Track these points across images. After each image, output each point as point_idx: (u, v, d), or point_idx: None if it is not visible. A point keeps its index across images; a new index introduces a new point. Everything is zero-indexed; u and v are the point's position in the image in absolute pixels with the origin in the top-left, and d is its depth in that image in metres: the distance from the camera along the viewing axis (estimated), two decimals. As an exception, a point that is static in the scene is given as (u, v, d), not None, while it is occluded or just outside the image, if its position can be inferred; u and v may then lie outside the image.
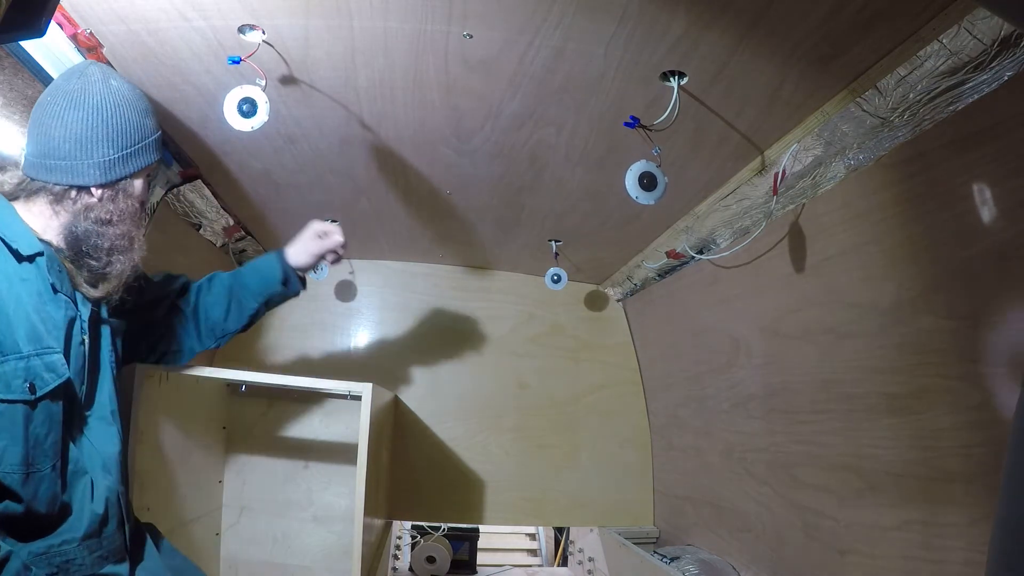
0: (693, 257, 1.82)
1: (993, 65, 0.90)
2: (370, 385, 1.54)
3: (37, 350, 0.94)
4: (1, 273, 0.93)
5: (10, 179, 1.02)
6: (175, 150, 1.53)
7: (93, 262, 1.05)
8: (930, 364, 1.12)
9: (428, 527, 2.95)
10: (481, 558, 3.15)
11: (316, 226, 1.44)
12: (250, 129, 1.14)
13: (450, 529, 2.97)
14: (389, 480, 2.24)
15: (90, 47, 1.11)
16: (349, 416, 2.20)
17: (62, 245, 1.03)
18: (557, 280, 2.13)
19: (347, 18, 1.03)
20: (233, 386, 2.10)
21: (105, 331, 1.14)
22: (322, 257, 1.45)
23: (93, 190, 1.03)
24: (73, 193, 1.02)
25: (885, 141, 1.12)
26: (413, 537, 3.03)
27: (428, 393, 2.43)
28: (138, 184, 1.10)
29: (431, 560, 2.82)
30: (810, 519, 1.48)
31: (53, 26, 1.04)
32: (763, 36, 1.00)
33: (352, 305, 2.45)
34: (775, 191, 1.37)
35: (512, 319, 2.52)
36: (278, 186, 1.71)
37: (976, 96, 0.94)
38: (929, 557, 1.13)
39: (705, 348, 2.00)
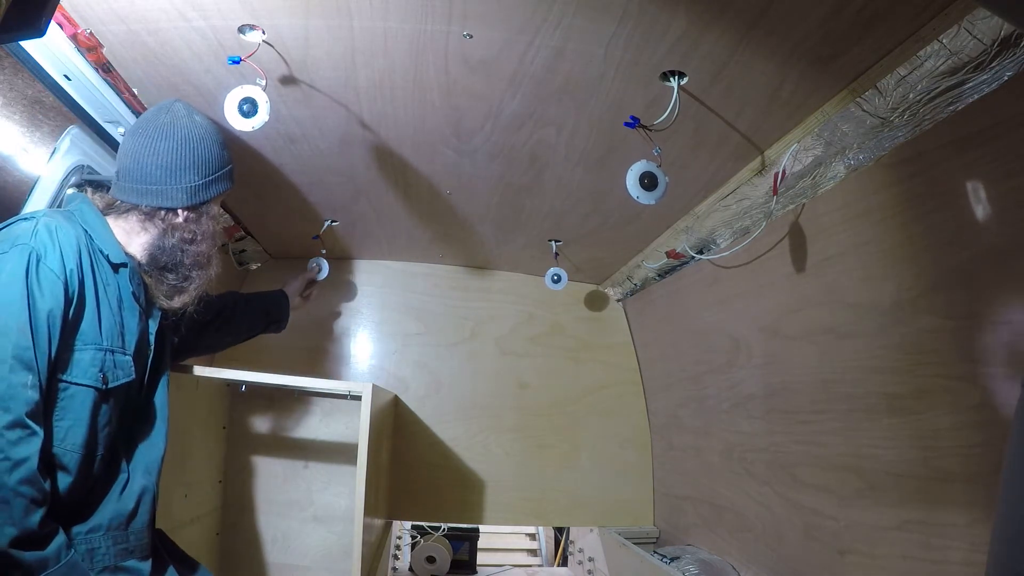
0: (693, 257, 1.82)
1: (993, 65, 0.90)
2: (370, 385, 1.54)
3: (112, 347, 1.06)
4: (97, 274, 1.05)
5: (102, 199, 1.16)
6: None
7: (173, 276, 1.17)
8: (930, 364, 1.12)
9: (428, 527, 2.95)
10: (481, 558, 3.15)
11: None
12: (250, 129, 1.14)
13: (450, 529, 2.97)
14: (389, 480, 2.24)
15: (90, 47, 1.11)
16: (349, 416, 2.20)
17: (144, 260, 1.14)
18: (557, 280, 2.13)
19: (347, 18, 1.03)
20: (233, 386, 2.10)
21: (168, 343, 1.26)
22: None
23: (179, 211, 1.15)
24: (162, 213, 1.14)
25: (885, 141, 1.12)
26: (413, 537, 3.03)
27: (428, 393, 2.43)
28: (215, 208, 1.23)
29: (431, 560, 2.82)
30: (810, 519, 1.48)
31: (53, 26, 1.04)
32: (763, 36, 1.00)
33: (352, 305, 2.44)
34: (775, 191, 1.37)
35: (512, 319, 2.52)
36: (278, 186, 1.71)
37: (976, 96, 0.94)
38: (929, 557, 1.13)
39: (705, 348, 2.00)
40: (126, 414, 1.12)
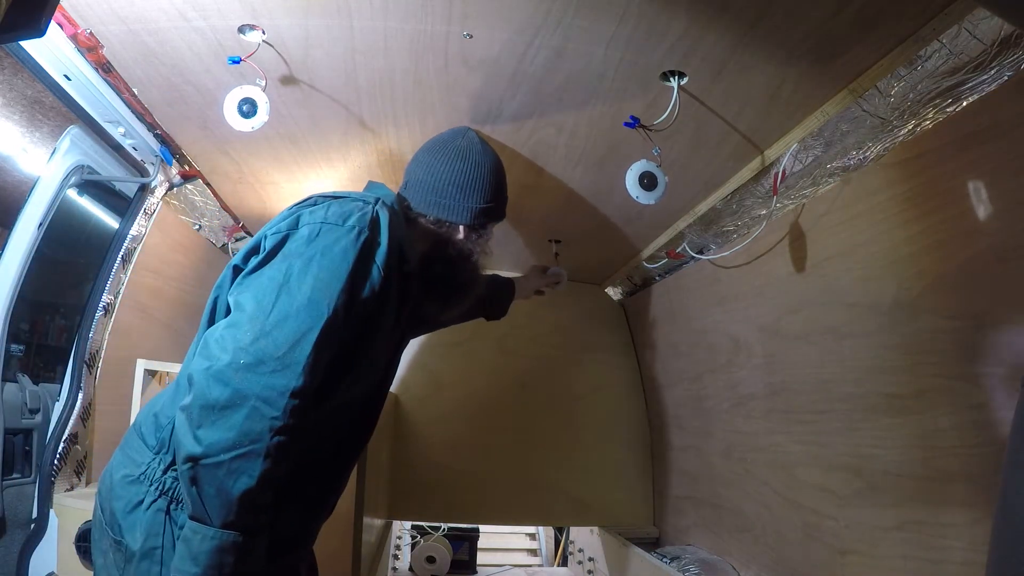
0: (693, 257, 1.82)
1: (993, 65, 0.90)
2: None
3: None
4: (395, 275, 1.02)
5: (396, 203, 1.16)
6: (175, 150, 1.53)
7: (443, 288, 1.21)
8: (930, 364, 1.12)
9: (428, 527, 2.95)
10: (481, 558, 3.15)
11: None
12: (250, 129, 1.14)
13: (450, 529, 2.97)
14: (389, 480, 2.24)
15: (90, 47, 1.11)
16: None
17: (417, 268, 1.14)
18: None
19: (347, 18, 1.03)
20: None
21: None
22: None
23: (462, 227, 1.19)
24: (446, 226, 1.18)
25: (885, 141, 1.12)
26: (413, 537, 3.03)
27: (428, 393, 2.43)
28: (489, 234, 1.25)
29: (431, 560, 2.82)
30: (810, 519, 1.48)
31: (53, 26, 1.04)
32: (763, 36, 1.00)
33: (352, 305, 2.44)
34: (775, 191, 1.37)
35: (512, 319, 2.51)
36: (278, 186, 1.71)
37: (976, 96, 0.94)
38: (929, 557, 1.13)
39: (705, 348, 2.00)
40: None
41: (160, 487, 0.89)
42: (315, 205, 0.95)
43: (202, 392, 0.79)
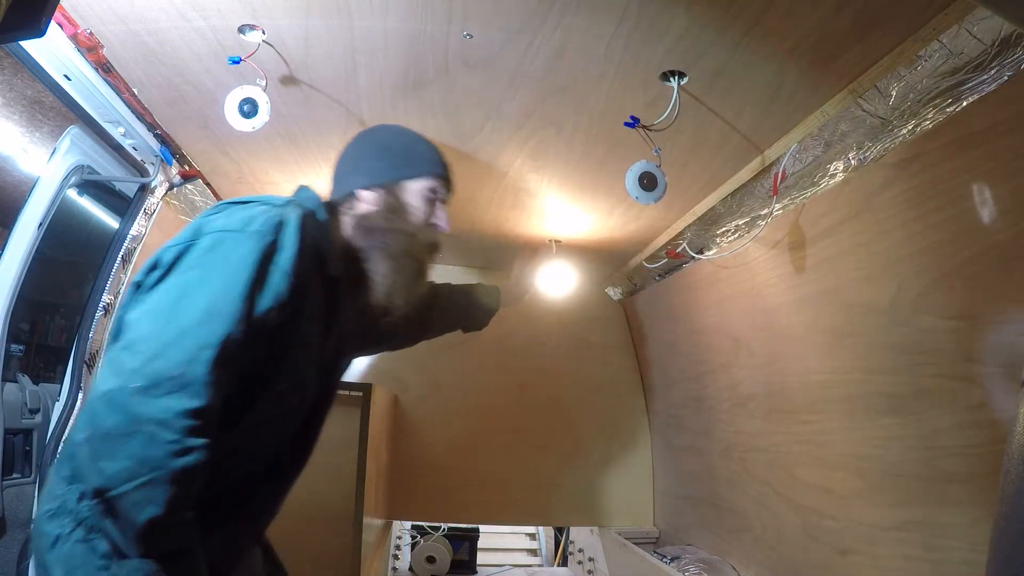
0: (693, 257, 1.82)
1: (993, 65, 0.90)
2: (370, 385, 1.54)
3: None
4: (314, 283, 0.95)
5: None
6: (175, 150, 1.53)
7: (376, 286, 1.08)
8: (930, 364, 1.12)
9: (428, 527, 2.95)
10: (481, 558, 3.15)
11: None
12: (251, 129, 1.14)
13: (450, 529, 2.97)
14: (389, 480, 2.24)
15: (90, 47, 1.11)
16: (349, 416, 2.19)
17: (344, 272, 1.05)
18: (557, 280, 2.12)
19: (347, 18, 1.03)
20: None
21: None
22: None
23: (378, 195, 1.08)
24: (365, 207, 1.08)
25: (885, 141, 1.12)
26: (413, 537, 3.03)
27: (428, 393, 2.43)
28: (415, 205, 1.13)
29: (431, 560, 2.82)
30: (810, 519, 1.48)
31: (53, 26, 1.04)
32: (763, 36, 1.00)
33: (352, 305, 2.44)
34: (775, 191, 1.37)
35: (512, 319, 2.51)
36: (278, 186, 1.71)
37: (976, 96, 0.94)
38: (929, 557, 1.13)
39: (705, 348, 2.00)
40: None
41: (75, 517, 0.83)
42: (218, 212, 0.89)
43: (98, 420, 0.75)
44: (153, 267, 0.86)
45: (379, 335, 1.28)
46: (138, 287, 0.87)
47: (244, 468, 0.95)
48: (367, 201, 1.05)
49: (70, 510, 0.84)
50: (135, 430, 0.74)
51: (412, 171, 1.08)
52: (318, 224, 0.96)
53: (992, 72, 0.91)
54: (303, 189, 1.04)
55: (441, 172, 1.10)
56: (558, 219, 1.87)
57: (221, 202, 0.92)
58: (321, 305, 0.97)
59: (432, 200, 1.08)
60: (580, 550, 2.72)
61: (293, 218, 0.89)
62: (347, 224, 1.05)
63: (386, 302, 1.06)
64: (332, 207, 1.05)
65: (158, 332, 0.79)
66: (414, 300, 1.10)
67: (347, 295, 1.04)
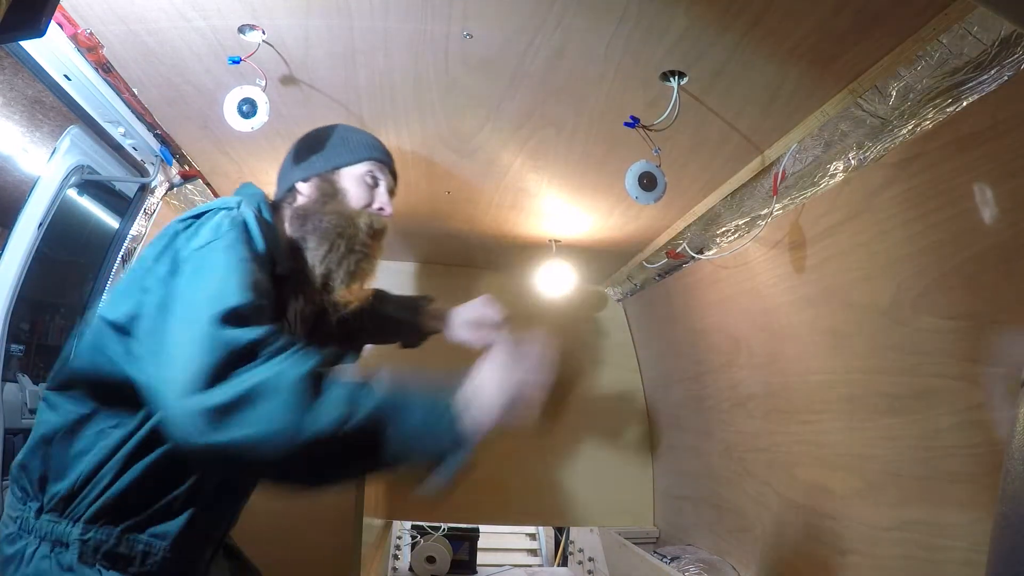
0: (693, 257, 1.82)
1: (993, 65, 0.90)
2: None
3: None
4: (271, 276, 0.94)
5: None
6: (175, 150, 1.53)
7: (315, 277, 1.10)
8: (930, 364, 1.12)
9: (428, 527, 2.95)
10: (481, 558, 3.15)
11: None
12: (250, 129, 1.14)
13: (450, 529, 2.97)
14: (389, 480, 2.24)
15: (90, 47, 1.11)
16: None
17: (288, 268, 1.06)
18: (557, 280, 2.12)
19: (347, 18, 1.03)
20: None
21: None
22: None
23: (312, 185, 1.10)
24: (302, 197, 1.10)
25: (885, 141, 1.12)
26: (413, 537, 3.02)
27: (428, 393, 2.42)
28: (347, 190, 1.14)
29: (431, 560, 2.82)
30: (810, 519, 1.48)
31: (53, 26, 1.04)
32: (763, 36, 1.00)
33: (352, 305, 2.44)
34: (775, 191, 1.37)
35: (512, 319, 2.51)
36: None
37: (976, 96, 0.94)
38: (929, 557, 1.13)
39: (705, 348, 2.00)
40: None
41: (38, 534, 0.83)
42: (186, 230, 0.87)
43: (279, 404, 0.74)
44: (135, 315, 0.83)
45: (344, 333, 1.27)
46: (117, 328, 0.85)
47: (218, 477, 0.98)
48: (304, 193, 1.07)
49: (31, 527, 0.84)
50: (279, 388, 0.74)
51: (348, 157, 1.10)
52: (266, 223, 0.97)
53: (992, 72, 0.91)
54: (247, 186, 1.05)
55: (379, 156, 1.12)
56: (558, 219, 1.87)
57: (169, 225, 0.90)
58: (273, 303, 0.96)
59: (371, 185, 1.09)
60: (580, 550, 2.72)
61: (250, 217, 0.92)
62: (287, 218, 1.06)
63: (324, 288, 1.05)
64: (275, 206, 1.07)
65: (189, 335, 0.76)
66: (358, 290, 1.10)
67: (294, 293, 1.05)
